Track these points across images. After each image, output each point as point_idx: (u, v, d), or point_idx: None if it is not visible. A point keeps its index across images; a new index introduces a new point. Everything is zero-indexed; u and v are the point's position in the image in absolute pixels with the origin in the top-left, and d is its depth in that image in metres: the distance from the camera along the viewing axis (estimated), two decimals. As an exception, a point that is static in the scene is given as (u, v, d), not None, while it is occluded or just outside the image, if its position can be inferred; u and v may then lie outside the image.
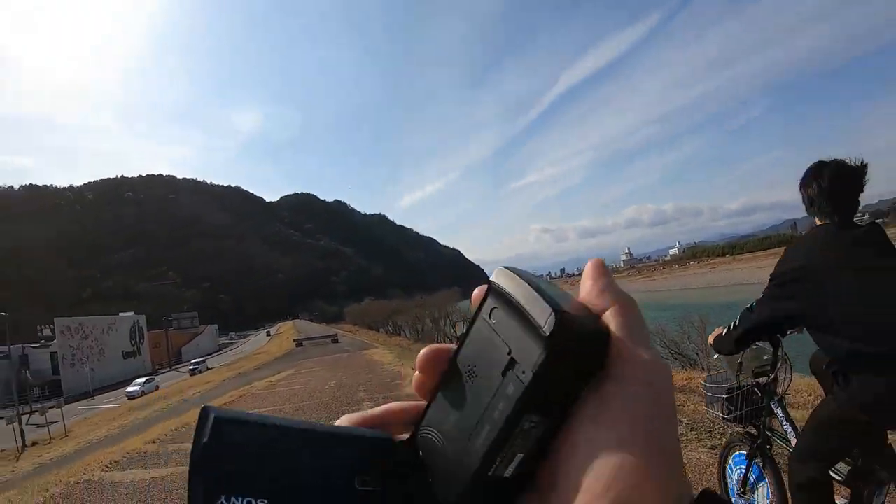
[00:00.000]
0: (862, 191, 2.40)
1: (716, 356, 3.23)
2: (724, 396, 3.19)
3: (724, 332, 2.80)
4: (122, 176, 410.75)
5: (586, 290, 0.36)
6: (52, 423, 33.79)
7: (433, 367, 0.39)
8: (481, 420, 0.33)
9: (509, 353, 0.33)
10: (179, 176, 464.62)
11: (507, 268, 0.36)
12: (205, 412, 0.33)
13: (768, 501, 2.94)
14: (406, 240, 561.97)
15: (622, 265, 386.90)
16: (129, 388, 54.54)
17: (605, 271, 0.37)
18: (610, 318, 0.34)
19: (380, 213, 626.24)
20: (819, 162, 2.47)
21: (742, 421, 3.13)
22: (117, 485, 8.11)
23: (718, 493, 1.43)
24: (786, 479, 2.73)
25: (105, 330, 78.01)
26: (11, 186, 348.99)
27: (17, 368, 62.01)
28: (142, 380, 57.61)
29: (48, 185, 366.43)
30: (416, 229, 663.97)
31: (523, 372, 0.31)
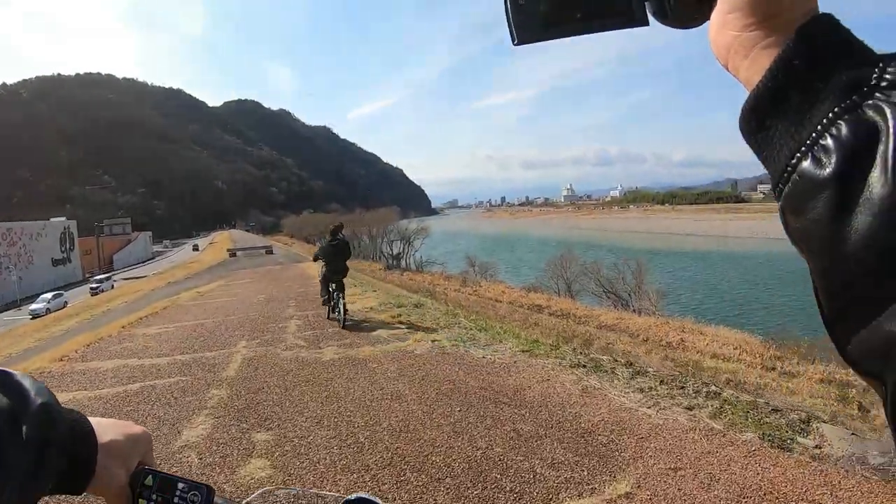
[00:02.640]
0: (335, 233, 11.07)
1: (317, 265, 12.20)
2: (320, 279, 11.65)
3: (314, 258, 12.46)
4: (58, 74, 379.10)
5: None
6: (-27, 334, 29.44)
7: None
8: None
9: None
10: (119, 76, 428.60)
11: None
12: None
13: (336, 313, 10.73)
14: (349, 155, 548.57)
15: (563, 199, 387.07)
16: (34, 306, 45.75)
17: None
18: None
19: (324, 126, 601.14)
20: (339, 224, 11.72)
21: (324, 288, 11.22)
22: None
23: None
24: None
25: (34, 236, 73.63)
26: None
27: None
28: (49, 295, 49.05)
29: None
30: (360, 145, 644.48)
31: None
